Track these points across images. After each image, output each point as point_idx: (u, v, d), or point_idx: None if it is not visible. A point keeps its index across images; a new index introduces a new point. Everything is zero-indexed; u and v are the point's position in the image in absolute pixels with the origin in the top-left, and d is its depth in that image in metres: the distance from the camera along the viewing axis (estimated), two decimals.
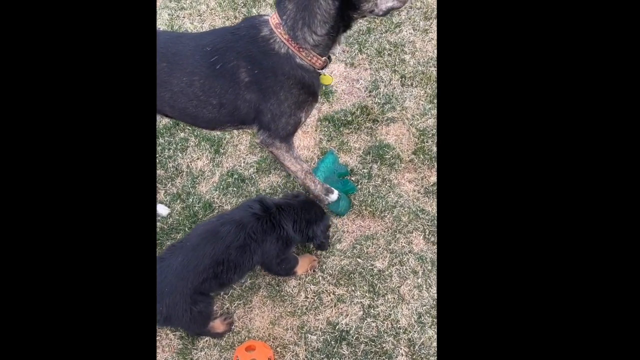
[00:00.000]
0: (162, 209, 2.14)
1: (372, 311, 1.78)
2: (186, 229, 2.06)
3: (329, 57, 1.59)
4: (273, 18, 1.46)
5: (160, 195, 2.21)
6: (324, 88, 2.35)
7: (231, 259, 1.60)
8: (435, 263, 1.85)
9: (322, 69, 1.57)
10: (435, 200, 2.00)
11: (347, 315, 1.79)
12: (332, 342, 1.73)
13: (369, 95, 2.34)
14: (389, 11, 1.46)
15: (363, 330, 1.75)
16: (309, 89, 1.58)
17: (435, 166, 2.08)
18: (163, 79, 1.56)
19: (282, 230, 1.66)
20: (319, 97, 2.36)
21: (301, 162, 1.86)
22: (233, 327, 1.81)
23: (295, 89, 1.55)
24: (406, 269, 1.85)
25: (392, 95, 2.31)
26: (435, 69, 2.36)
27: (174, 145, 2.33)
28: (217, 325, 1.76)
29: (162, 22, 2.81)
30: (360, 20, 2.04)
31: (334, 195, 1.99)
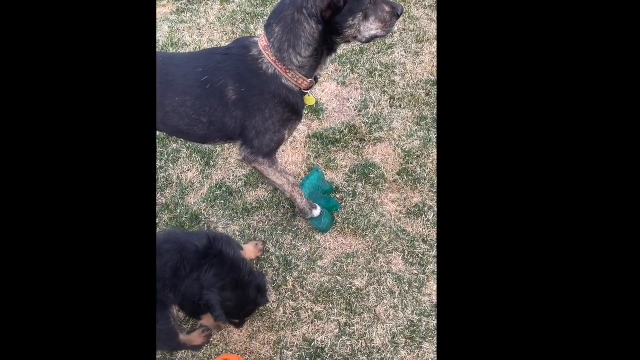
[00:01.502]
0: None
1: (348, 329, 1.80)
2: None
3: (315, 79, 1.64)
4: (262, 40, 1.51)
5: None
6: (307, 109, 2.39)
7: (167, 277, 1.53)
8: (412, 284, 1.88)
9: (308, 89, 1.62)
10: (416, 221, 2.03)
11: (324, 332, 1.81)
12: (307, 359, 1.75)
13: (358, 115, 2.39)
14: (372, 39, 1.51)
15: (338, 348, 1.77)
16: (293, 108, 1.62)
17: (418, 188, 2.11)
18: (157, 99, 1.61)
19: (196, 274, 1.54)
20: (309, 114, 2.41)
21: (287, 175, 1.89)
22: (211, 339, 1.83)
23: (280, 107, 1.59)
24: (384, 289, 1.88)
25: (381, 116, 2.35)
26: (424, 91, 2.41)
27: (166, 156, 2.37)
28: (195, 338, 1.78)
29: (162, 35, 2.87)
30: (344, 45, 2.09)
31: (317, 211, 2.02)
